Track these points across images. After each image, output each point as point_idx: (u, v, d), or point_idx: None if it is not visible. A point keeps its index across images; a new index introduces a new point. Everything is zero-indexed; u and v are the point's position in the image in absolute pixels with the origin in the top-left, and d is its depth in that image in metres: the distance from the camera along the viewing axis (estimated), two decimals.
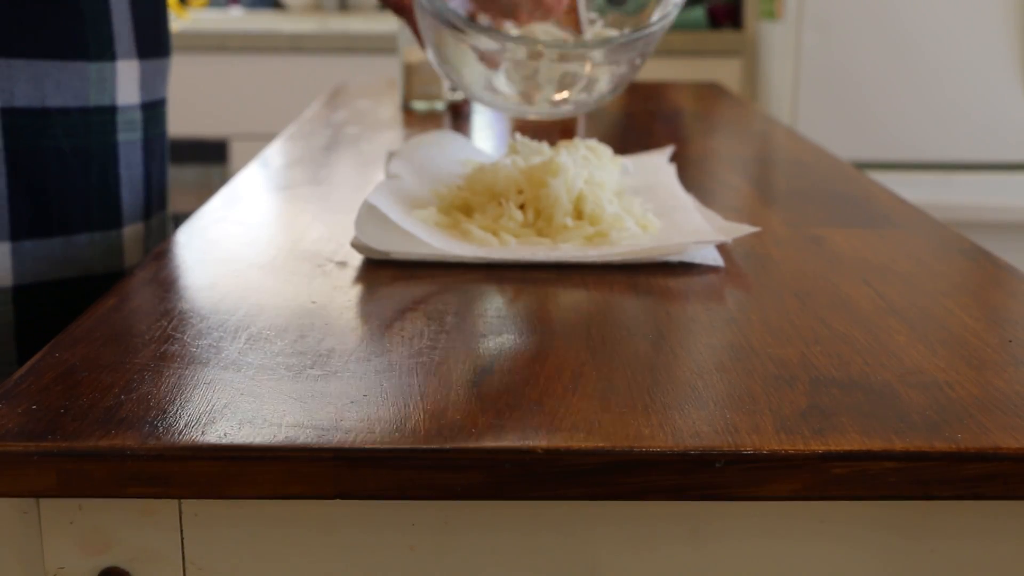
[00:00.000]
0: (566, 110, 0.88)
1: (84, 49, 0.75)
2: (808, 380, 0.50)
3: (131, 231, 0.81)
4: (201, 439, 0.44)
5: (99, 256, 0.78)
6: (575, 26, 0.89)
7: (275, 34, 2.51)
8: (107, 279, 0.79)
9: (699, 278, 0.67)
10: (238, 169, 1.60)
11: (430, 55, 0.85)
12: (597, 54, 0.85)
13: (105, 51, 0.76)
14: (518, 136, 0.84)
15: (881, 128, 2.18)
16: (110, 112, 0.78)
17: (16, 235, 0.73)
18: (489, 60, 0.83)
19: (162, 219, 0.88)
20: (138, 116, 0.81)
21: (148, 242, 0.84)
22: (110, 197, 0.79)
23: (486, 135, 1.29)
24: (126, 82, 0.79)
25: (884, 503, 0.46)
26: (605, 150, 0.86)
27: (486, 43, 0.80)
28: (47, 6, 0.72)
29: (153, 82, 0.83)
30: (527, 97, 0.85)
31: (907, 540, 0.47)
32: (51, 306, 0.76)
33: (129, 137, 0.80)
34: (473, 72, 0.84)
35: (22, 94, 0.72)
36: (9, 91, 0.71)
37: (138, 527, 0.46)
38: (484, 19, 0.86)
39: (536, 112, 0.86)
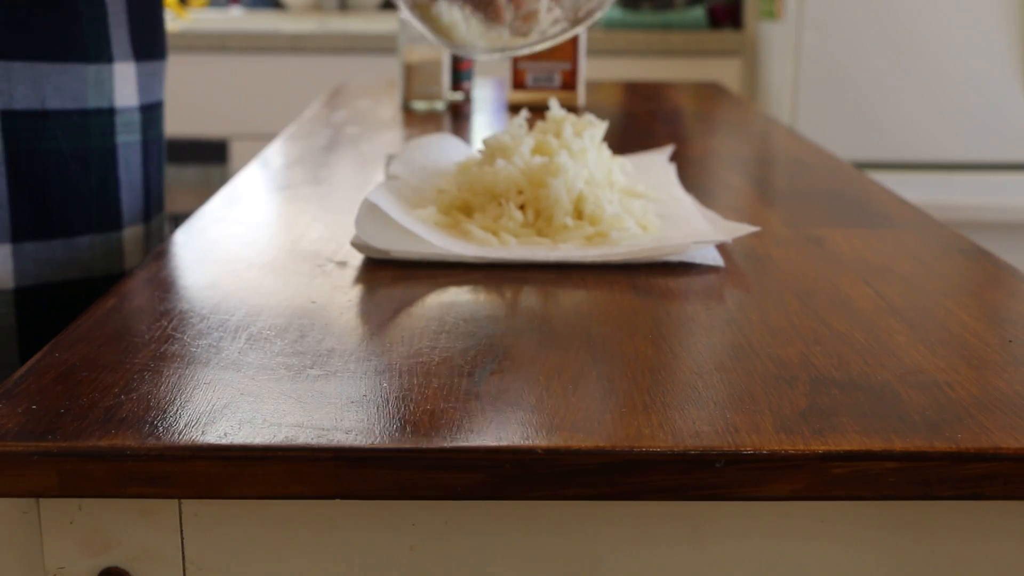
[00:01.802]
0: (559, 30, 0.86)
1: (82, 51, 0.75)
2: (808, 380, 0.50)
3: (131, 233, 0.81)
4: (201, 439, 0.44)
5: (100, 258, 0.78)
6: None
7: (275, 34, 2.51)
8: (108, 281, 0.79)
9: (699, 278, 0.67)
10: (238, 169, 1.60)
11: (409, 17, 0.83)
12: None
13: (102, 53, 0.76)
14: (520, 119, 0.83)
15: (881, 128, 2.18)
16: (108, 114, 0.78)
17: (17, 237, 0.73)
18: (494, 14, 0.81)
19: (160, 222, 0.88)
20: (137, 118, 0.81)
21: (148, 244, 0.84)
22: (110, 199, 0.79)
23: (486, 136, 1.29)
24: (124, 84, 0.79)
25: (884, 503, 0.46)
26: (605, 151, 0.86)
27: None
28: (44, 8, 0.73)
29: (150, 84, 0.83)
30: (520, 31, 0.83)
31: (907, 540, 0.47)
32: (53, 308, 0.76)
33: (128, 139, 0.80)
34: (466, 29, 0.82)
35: (21, 96, 0.72)
36: (8, 93, 0.71)
37: (138, 527, 0.46)
38: None
39: (531, 43, 0.85)
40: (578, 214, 0.74)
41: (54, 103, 0.74)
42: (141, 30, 0.81)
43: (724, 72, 2.47)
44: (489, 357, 0.53)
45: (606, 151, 0.86)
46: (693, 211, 0.80)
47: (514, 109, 1.41)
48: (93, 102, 0.76)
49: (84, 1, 0.75)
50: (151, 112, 0.84)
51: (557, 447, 0.43)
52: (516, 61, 1.44)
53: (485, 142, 0.80)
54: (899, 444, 0.44)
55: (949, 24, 2.14)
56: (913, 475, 0.44)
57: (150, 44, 0.83)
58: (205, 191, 2.31)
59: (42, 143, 0.74)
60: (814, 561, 0.47)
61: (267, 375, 0.51)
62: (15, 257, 0.73)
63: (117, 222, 0.80)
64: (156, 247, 0.86)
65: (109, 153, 0.78)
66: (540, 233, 0.73)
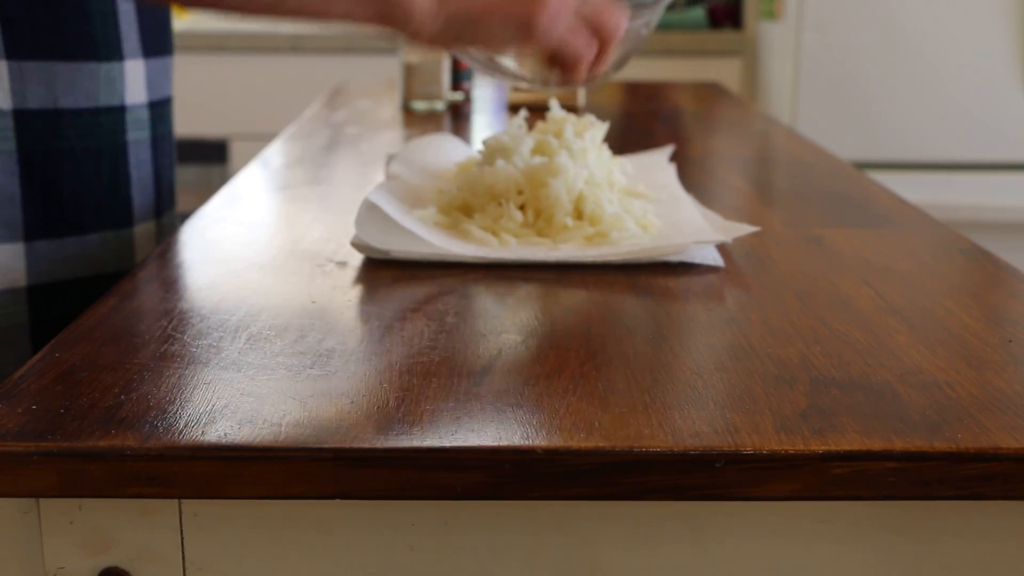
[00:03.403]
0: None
1: (93, 50, 0.75)
2: (808, 380, 0.50)
3: (142, 230, 0.82)
4: (201, 439, 0.44)
5: (111, 255, 0.79)
6: None
7: (275, 34, 2.51)
8: (119, 278, 0.79)
9: (699, 278, 0.67)
10: (238, 169, 1.60)
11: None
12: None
13: (113, 52, 0.77)
14: (516, 120, 0.83)
15: (881, 128, 2.18)
16: (119, 112, 0.78)
17: (30, 236, 0.74)
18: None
19: (172, 218, 0.89)
20: (146, 115, 0.81)
21: (159, 241, 0.84)
22: (121, 196, 0.79)
23: (486, 136, 1.29)
24: (133, 82, 0.79)
25: (884, 503, 0.46)
26: (605, 152, 0.86)
27: None
28: (56, 8, 0.73)
29: (159, 81, 0.83)
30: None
31: (907, 540, 0.47)
32: (65, 305, 0.76)
33: (138, 136, 0.80)
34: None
35: (34, 96, 0.72)
36: (21, 93, 0.72)
37: (138, 527, 0.46)
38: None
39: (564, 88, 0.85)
40: (578, 214, 0.74)
41: (67, 102, 0.74)
42: (150, 27, 0.81)
43: (724, 72, 2.47)
44: (489, 357, 0.53)
45: (606, 151, 0.86)
46: (693, 211, 0.80)
47: (514, 109, 1.41)
48: (104, 100, 0.77)
49: (95, 0, 0.75)
50: (160, 108, 0.84)
51: (557, 447, 0.43)
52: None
53: (485, 142, 0.80)
54: (899, 444, 0.44)
55: (949, 24, 2.14)
56: (913, 475, 0.44)
57: (159, 41, 0.83)
58: (205, 191, 2.30)
59: (55, 142, 0.74)
60: (814, 561, 0.47)
61: (267, 375, 0.51)
62: (28, 256, 0.74)
63: (128, 219, 0.80)
64: (156, 247, 0.86)
65: (120, 150, 0.79)
66: (540, 233, 0.73)
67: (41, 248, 0.74)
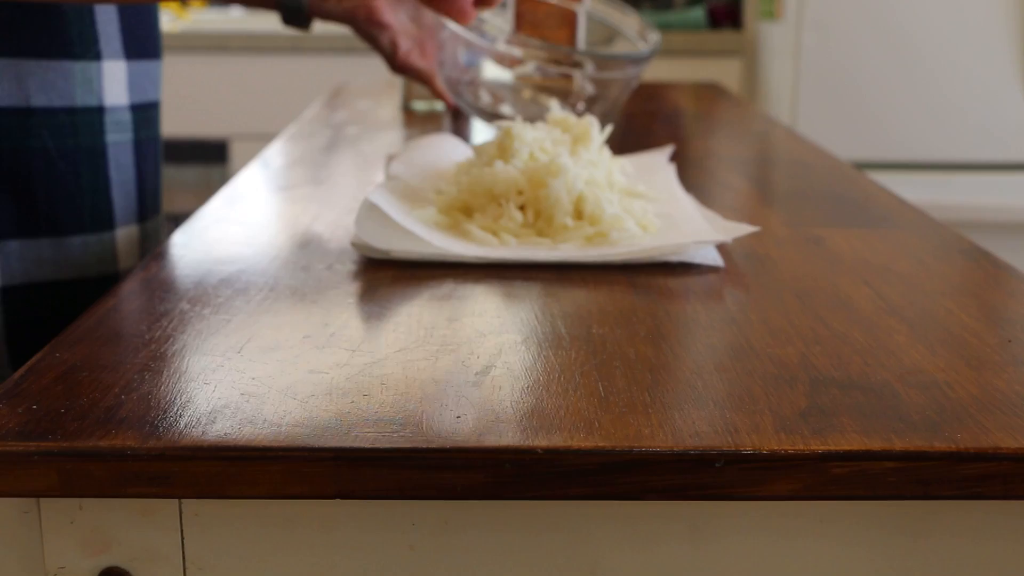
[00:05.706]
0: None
1: (67, 48, 0.74)
2: (808, 380, 0.50)
3: (124, 233, 0.81)
4: (201, 439, 0.44)
5: (92, 259, 0.78)
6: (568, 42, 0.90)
7: (275, 34, 2.51)
8: (101, 282, 0.78)
9: (699, 278, 0.67)
10: (238, 169, 1.60)
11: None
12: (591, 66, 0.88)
13: (89, 50, 0.76)
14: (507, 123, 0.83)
15: (881, 128, 2.19)
16: (98, 112, 0.77)
17: (0, 235, 0.73)
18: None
19: (156, 223, 0.88)
20: (127, 117, 0.80)
21: (143, 245, 0.84)
22: (101, 199, 0.78)
23: (486, 136, 1.29)
24: (113, 83, 0.79)
25: (884, 503, 0.46)
26: (605, 152, 0.86)
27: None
28: (27, 5, 0.72)
29: (142, 84, 0.83)
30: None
31: (907, 540, 0.47)
32: (44, 308, 0.76)
33: (119, 138, 0.80)
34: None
35: (4, 93, 0.72)
36: None
37: (138, 527, 0.46)
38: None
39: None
40: (578, 214, 0.74)
41: (40, 100, 0.73)
42: (133, 29, 0.81)
43: (724, 72, 2.47)
44: (489, 357, 0.53)
45: (606, 151, 0.86)
46: (693, 211, 0.80)
47: None
48: (81, 100, 0.76)
49: None
50: (144, 112, 0.83)
51: (557, 447, 0.43)
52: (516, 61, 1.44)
53: (480, 146, 0.81)
54: (899, 444, 0.44)
55: (949, 25, 2.14)
56: (913, 475, 0.44)
57: (143, 43, 0.82)
58: (205, 191, 2.30)
59: (27, 140, 0.73)
60: (814, 561, 0.47)
61: (267, 375, 0.51)
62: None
63: (109, 222, 0.79)
64: (155, 247, 0.86)
65: (99, 152, 0.78)
66: (540, 233, 0.73)
67: (12, 248, 0.74)
